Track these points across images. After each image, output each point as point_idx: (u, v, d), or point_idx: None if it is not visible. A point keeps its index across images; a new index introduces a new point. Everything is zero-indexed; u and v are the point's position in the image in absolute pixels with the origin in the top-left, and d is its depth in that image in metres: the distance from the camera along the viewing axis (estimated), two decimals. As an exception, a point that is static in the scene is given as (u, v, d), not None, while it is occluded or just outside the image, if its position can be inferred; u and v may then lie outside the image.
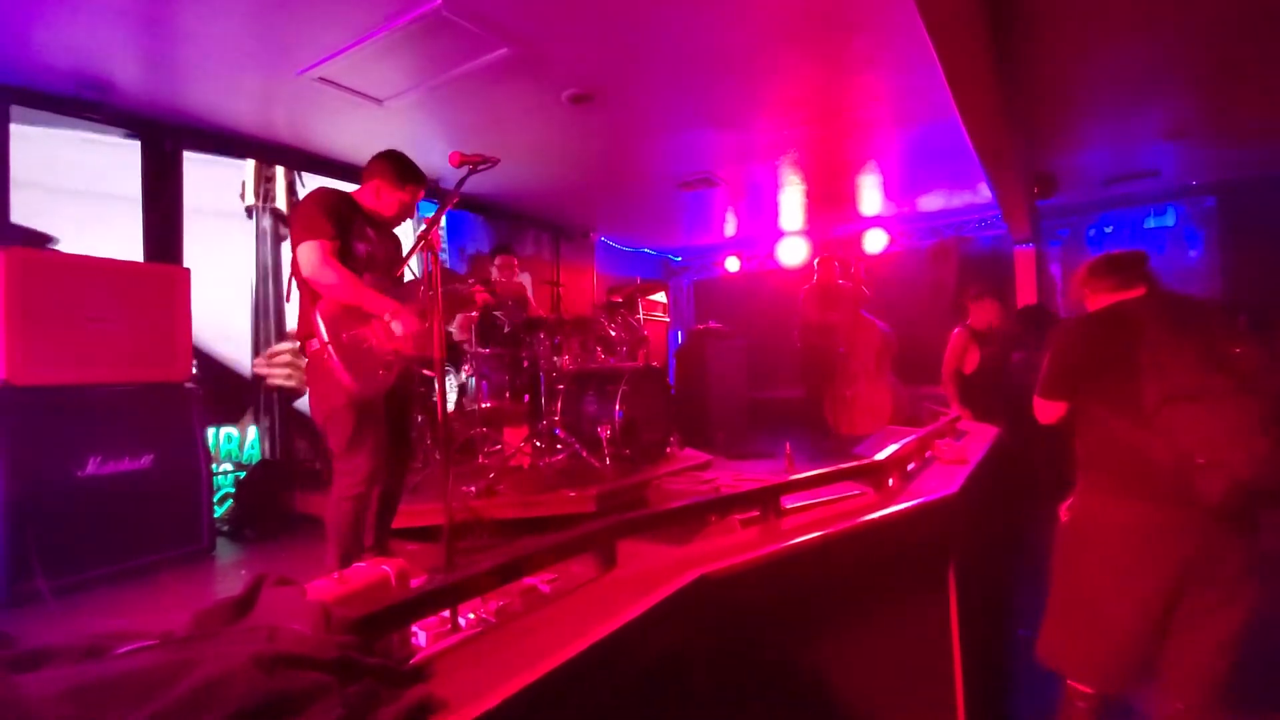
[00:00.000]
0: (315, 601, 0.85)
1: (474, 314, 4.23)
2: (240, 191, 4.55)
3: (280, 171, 4.63)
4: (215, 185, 4.45)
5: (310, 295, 2.31)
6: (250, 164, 4.55)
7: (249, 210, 4.57)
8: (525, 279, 4.99)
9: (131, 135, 3.89)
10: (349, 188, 2.67)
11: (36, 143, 3.55)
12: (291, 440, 4.57)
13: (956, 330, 4.53)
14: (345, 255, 2.33)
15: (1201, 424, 1.56)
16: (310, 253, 2.25)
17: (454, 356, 4.49)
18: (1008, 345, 4.40)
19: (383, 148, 2.57)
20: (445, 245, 5.86)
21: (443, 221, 5.02)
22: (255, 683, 0.61)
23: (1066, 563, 1.94)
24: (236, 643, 0.68)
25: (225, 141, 4.25)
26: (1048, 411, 1.98)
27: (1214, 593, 1.68)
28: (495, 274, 4.74)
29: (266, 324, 4.56)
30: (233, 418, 4.47)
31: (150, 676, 0.60)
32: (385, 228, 2.59)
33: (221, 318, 4.41)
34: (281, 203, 4.60)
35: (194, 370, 3.48)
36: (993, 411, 3.92)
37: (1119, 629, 1.77)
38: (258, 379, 4.50)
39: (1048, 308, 5.46)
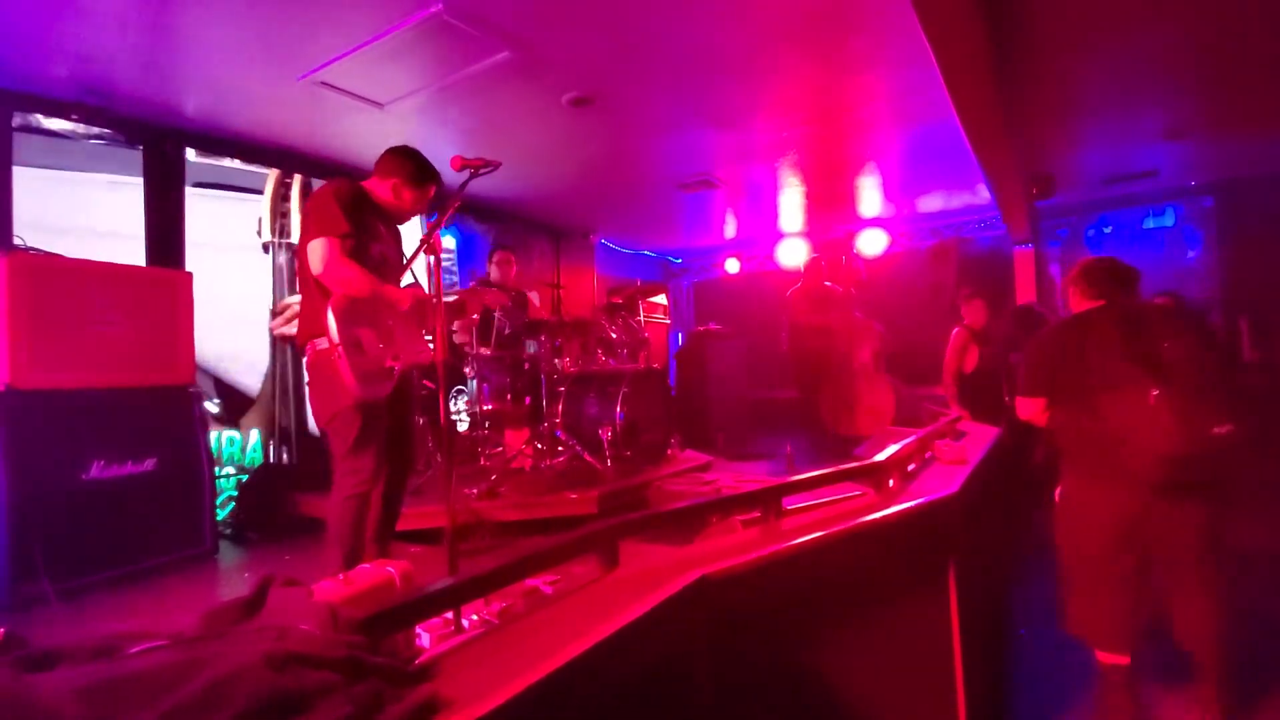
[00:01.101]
0: (322, 602, 0.86)
1: (474, 316, 4.24)
2: (256, 228, 4.61)
3: (295, 207, 4.64)
4: (235, 221, 4.58)
5: (320, 294, 2.24)
6: (266, 200, 4.59)
7: (265, 247, 4.63)
8: (534, 296, 4.98)
9: (131, 145, 3.91)
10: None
11: (37, 182, 3.59)
12: (294, 443, 4.59)
13: (956, 330, 4.56)
14: (360, 255, 2.28)
15: (1121, 406, 1.83)
16: (324, 250, 2.19)
17: (457, 372, 4.48)
18: (1006, 345, 4.42)
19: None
20: (456, 267, 5.86)
21: (444, 234, 5.03)
22: (264, 681, 0.62)
23: (1061, 543, 2.18)
24: (247, 642, 0.69)
25: (227, 145, 4.26)
26: (1026, 408, 2.20)
27: (1177, 556, 1.91)
28: (494, 271, 4.74)
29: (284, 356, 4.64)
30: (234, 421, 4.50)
31: (162, 676, 0.61)
32: (393, 224, 2.58)
33: (242, 350, 4.57)
34: (296, 239, 4.61)
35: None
36: (992, 411, 3.93)
37: (1105, 597, 2.00)
38: (275, 339, 4.59)
39: (1039, 309, 5.44)
